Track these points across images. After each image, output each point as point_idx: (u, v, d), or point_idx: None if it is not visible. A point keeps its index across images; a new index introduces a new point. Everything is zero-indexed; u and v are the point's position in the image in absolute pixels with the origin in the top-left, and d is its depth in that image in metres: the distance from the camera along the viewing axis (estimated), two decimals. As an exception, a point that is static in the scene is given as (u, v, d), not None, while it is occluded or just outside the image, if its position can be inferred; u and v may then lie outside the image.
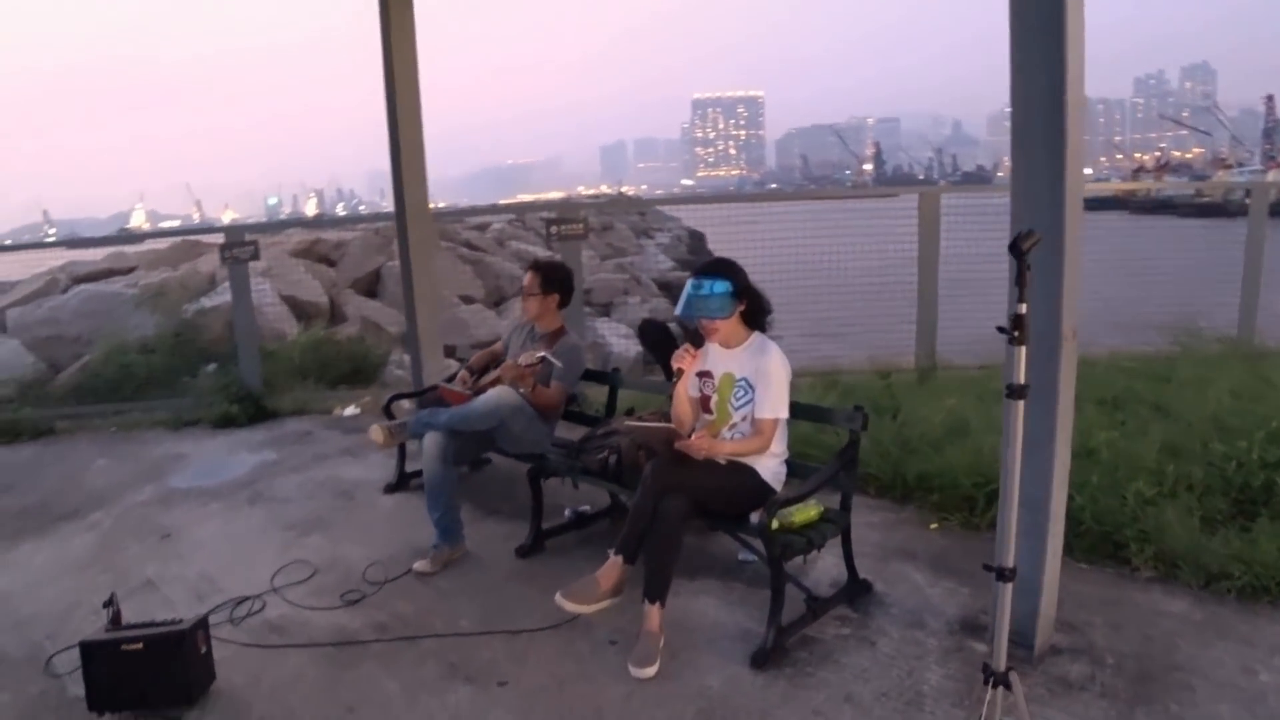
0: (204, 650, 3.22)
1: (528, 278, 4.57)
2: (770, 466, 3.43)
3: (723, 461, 3.35)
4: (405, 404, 5.42)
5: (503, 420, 4.20)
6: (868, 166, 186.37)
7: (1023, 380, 2.29)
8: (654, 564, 3.18)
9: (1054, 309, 2.82)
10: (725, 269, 3.42)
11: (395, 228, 5.87)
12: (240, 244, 7.16)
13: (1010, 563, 2.33)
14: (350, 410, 7.27)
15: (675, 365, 3.42)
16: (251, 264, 7.38)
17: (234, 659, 3.48)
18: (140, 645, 3.10)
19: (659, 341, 3.93)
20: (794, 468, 3.58)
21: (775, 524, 3.12)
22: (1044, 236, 2.33)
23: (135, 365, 7.99)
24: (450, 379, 4.88)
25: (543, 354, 4.28)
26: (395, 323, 11.03)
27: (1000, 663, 2.30)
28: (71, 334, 8.75)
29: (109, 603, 3.31)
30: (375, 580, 4.04)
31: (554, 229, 6.50)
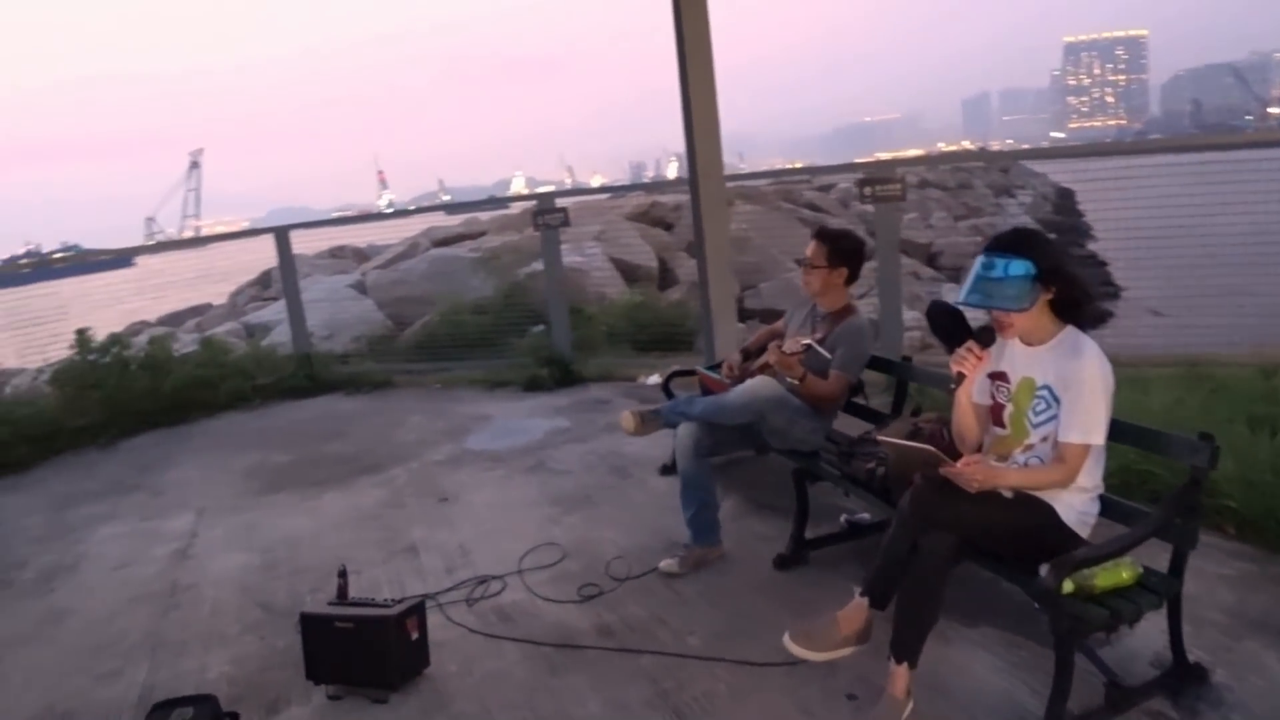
0: (415, 636, 3.06)
1: (811, 248, 3.92)
2: (1074, 505, 2.59)
3: (1007, 494, 2.57)
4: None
5: (761, 414, 3.65)
6: (1276, 110, 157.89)
7: None
8: (906, 616, 2.51)
9: None
10: (1025, 244, 2.57)
11: (690, 191, 5.48)
12: (551, 210, 7.18)
13: None
14: (653, 379, 7.06)
15: (954, 368, 2.68)
16: (586, 228, 7.36)
17: (456, 643, 3.34)
18: (351, 625, 3.00)
19: (950, 329, 3.13)
20: (1109, 506, 2.68)
21: (1068, 587, 2.32)
22: None
23: (466, 325, 8.41)
24: (713, 366, 4.42)
25: (808, 341, 3.67)
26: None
27: None
28: (418, 294, 9.40)
29: (341, 574, 3.27)
30: (618, 576, 3.71)
31: (867, 190, 5.78)
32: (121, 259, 11.46)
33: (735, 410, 3.63)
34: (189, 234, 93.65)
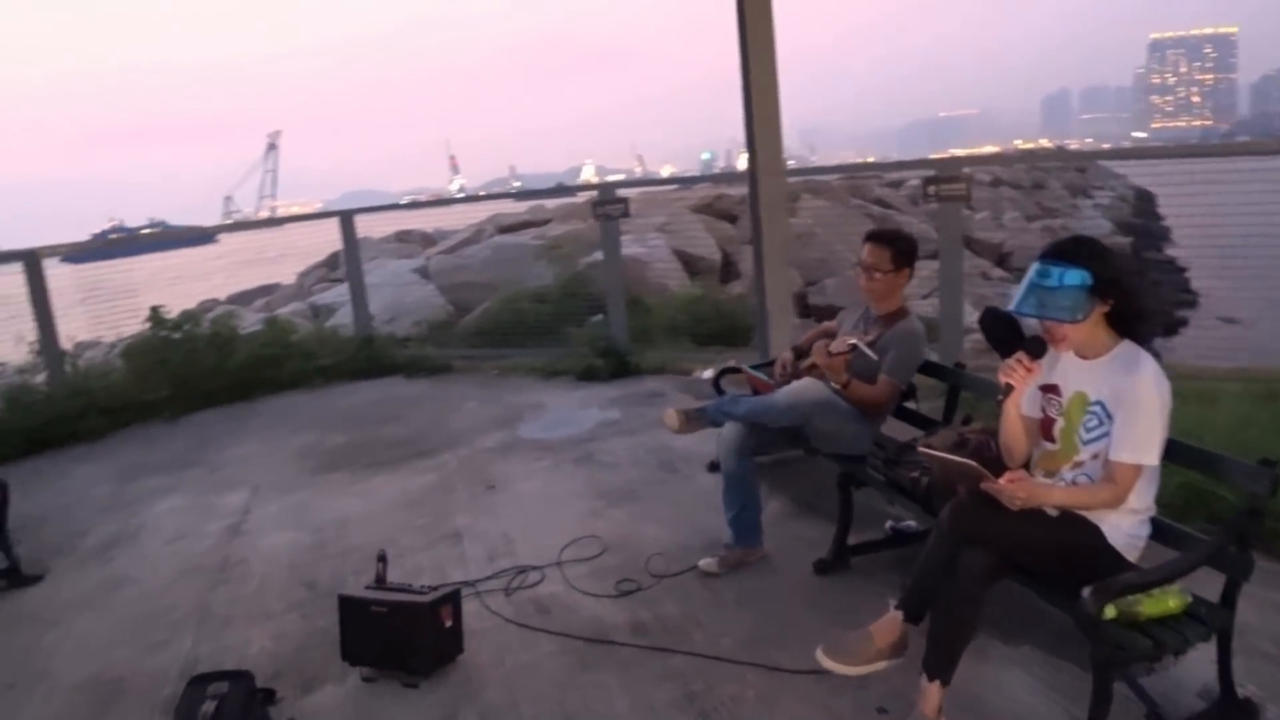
0: (448, 625, 3.08)
1: (869, 251, 3.77)
2: (1123, 526, 2.48)
3: (1052, 512, 2.47)
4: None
5: (807, 417, 3.58)
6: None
7: None
8: (940, 632, 2.44)
9: None
10: (1083, 252, 2.46)
11: (748, 186, 5.42)
12: (611, 201, 7.16)
13: None
14: (708, 373, 6.99)
15: (1002, 379, 2.58)
16: (651, 219, 7.31)
17: (492, 633, 3.36)
18: (385, 610, 3.03)
19: (1004, 337, 3.03)
20: (1160, 529, 2.56)
21: (1111, 613, 2.22)
22: None
23: (526, 313, 8.45)
24: (758, 367, 4.36)
25: (854, 341, 3.59)
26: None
27: None
28: (480, 280, 9.48)
29: (381, 558, 3.30)
30: (656, 572, 3.69)
31: (931, 188, 5.65)
32: (205, 235, 11.84)
33: (780, 412, 3.58)
34: (265, 214, 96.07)
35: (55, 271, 7.79)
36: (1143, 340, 2.53)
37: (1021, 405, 2.67)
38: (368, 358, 7.85)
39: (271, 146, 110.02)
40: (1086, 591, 2.23)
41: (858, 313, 3.99)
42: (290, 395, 7.48)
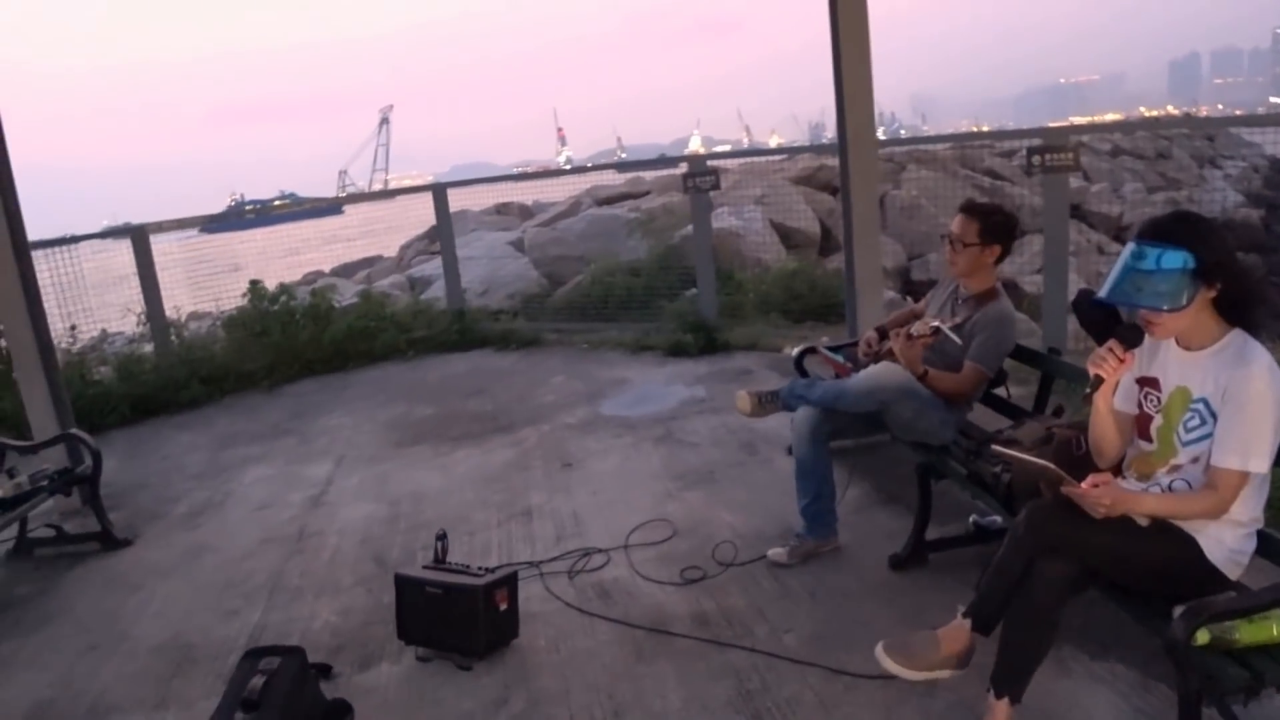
0: (504, 608, 3.02)
1: (958, 222, 3.53)
2: (1224, 540, 2.20)
3: (1143, 522, 2.22)
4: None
5: (885, 404, 3.36)
6: None
7: None
8: (1012, 647, 2.23)
9: None
10: (1183, 231, 2.16)
11: (840, 157, 5.17)
12: (702, 173, 6.99)
13: None
14: (797, 349, 6.82)
15: (1091, 370, 2.31)
16: (749, 190, 7.11)
17: (551, 616, 3.31)
18: (440, 591, 2.99)
19: (1101, 321, 2.75)
20: (1268, 543, 2.27)
21: (1203, 638, 1.97)
22: None
23: (617, 286, 8.36)
24: (838, 348, 4.16)
25: (935, 323, 3.35)
26: (891, 256, 10.35)
27: None
28: (575, 254, 9.43)
29: (441, 537, 3.27)
30: (723, 560, 3.56)
31: (1036, 159, 5.29)
32: (333, 207, 12.27)
33: (857, 398, 3.38)
34: (377, 186, 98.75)
35: (173, 245, 8.12)
36: (1256, 329, 2.24)
37: (1115, 399, 2.41)
38: (459, 331, 7.91)
39: (384, 121, 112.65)
40: (1178, 612, 1.99)
41: (946, 291, 3.74)
42: (383, 367, 7.60)
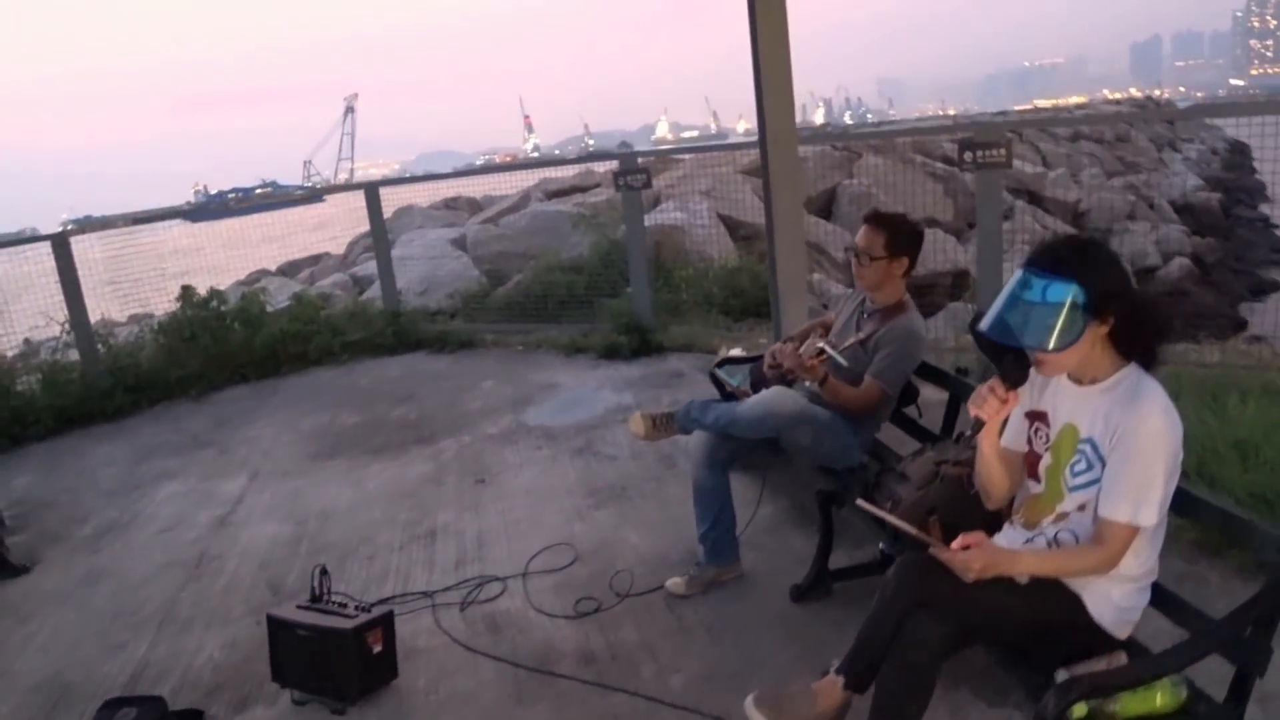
0: (378, 649, 2.91)
1: (864, 234, 3.39)
2: (1112, 597, 2.07)
3: (1021, 580, 2.08)
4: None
5: (778, 430, 3.24)
6: None
7: None
8: (885, 709, 2.09)
9: None
10: (1075, 262, 1.98)
11: (762, 153, 5.05)
12: (633, 171, 6.83)
13: None
14: (735, 351, 6.68)
15: (972, 412, 2.15)
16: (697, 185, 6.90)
17: (435, 653, 3.21)
18: (310, 634, 2.88)
19: (993, 346, 2.59)
20: (1163, 598, 2.13)
21: (1080, 711, 1.83)
22: None
23: (558, 284, 8.19)
24: (747, 360, 4.04)
25: (821, 345, 3.25)
26: (844, 246, 10.24)
27: None
28: (518, 250, 9.24)
29: (323, 572, 3.14)
30: (620, 591, 3.44)
31: (968, 155, 5.19)
32: (315, 196, 12.08)
33: (749, 424, 3.24)
34: (343, 177, 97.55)
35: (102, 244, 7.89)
36: (1153, 365, 2.08)
37: (1003, 437, 2.26)
38: (395, 333, 7.73)
39: (349, 110, 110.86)
40: (1060, 677, 1.87)
41: (854, 303, 3.62)
42: (316, 372, 7.41)
